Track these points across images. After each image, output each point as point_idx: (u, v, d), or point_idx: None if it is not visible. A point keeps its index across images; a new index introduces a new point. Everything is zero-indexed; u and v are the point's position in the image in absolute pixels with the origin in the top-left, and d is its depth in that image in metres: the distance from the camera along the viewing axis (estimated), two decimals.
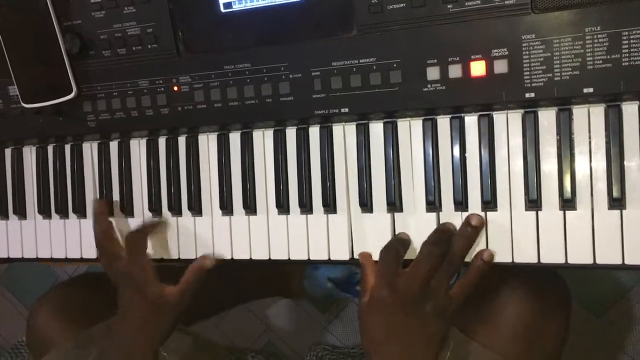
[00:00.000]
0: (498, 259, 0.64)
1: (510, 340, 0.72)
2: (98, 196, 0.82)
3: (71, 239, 0.84)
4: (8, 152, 0.87)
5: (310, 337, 1.39)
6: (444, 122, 0.66)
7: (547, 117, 0.62)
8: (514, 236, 0.64)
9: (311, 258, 0.72)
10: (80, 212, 0.83)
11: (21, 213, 0.87)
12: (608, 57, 0.58)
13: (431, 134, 0.66)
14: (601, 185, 0.61)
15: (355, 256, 0.70)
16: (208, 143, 0.76)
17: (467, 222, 0.64)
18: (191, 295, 0.74)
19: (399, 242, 0.66)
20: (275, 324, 1.44)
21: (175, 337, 0.92)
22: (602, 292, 1.22)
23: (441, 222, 0.66)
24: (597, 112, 0.61)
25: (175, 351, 0.90)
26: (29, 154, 0.86)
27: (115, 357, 0.76)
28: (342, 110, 0.68)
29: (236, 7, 0.69)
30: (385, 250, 0.66)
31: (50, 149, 0.85)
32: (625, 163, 0.60)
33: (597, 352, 1.22)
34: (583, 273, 1.20)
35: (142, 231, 0.75)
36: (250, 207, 0.74)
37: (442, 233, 0.64)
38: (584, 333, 1.21)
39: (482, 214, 0.65)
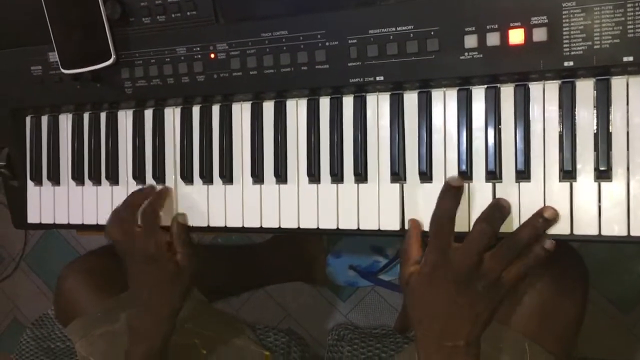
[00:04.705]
0: None
1: (527, 317, 0.71)
2: (131, 163, 0.83)
3: (102, 205, 0.86)
4: (45, 119, 0.89)
5: (331, 325, 1.39)
6: (478, 92, 0.66)
7: (585, 88, 0.62)
8: None
9: (340, 227, 0.73)
10: (113, 179, 0.84)
11: (55, 179, 0.88)
12: None
13: (465, 104, 0.66)
14: (638, 158, 0.60)
15: (383, 227, 0.70)
16: (242, 112, 0.77)
17: (539, 214, 0.61)
18: (195, 255, 0.78)
19: (451, 208, 0.61)
20: (296, 310, 1.44)
21: (201, 311, 0.93)
22: (630, 290, 1.20)
23: (471, 192, 0.66)
24: (636, 82, 0.60)
25: (201, 324, 0.92)
26: (65, 121, 0.88)
27: (141, 324, 0.78)
28: (377, 78, 0.68)
29: None
30: (437, 220, 0.62)
31: (86, 116, 0.86)
32: None
33: (623, 347, 1.21)
34: (611, 270, 1.19)
35: (153, 205, 0.78)
36: (281, 175, 0.75)
37: (496, 209, 0.61)
38: (611, 328, 1.20)
39: (516, 185, 0.65)
